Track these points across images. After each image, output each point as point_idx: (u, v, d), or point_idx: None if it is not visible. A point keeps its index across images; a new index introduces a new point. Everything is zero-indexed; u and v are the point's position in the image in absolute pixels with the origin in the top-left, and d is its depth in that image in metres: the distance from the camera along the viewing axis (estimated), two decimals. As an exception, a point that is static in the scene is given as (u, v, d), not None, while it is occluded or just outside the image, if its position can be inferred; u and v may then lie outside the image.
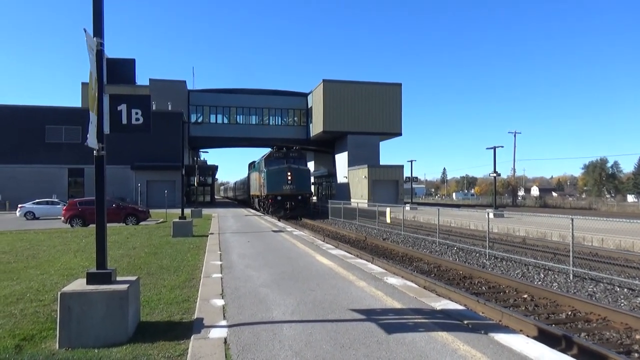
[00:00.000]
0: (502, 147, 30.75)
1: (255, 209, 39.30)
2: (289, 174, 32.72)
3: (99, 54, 4.96)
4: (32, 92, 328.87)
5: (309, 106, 55.17)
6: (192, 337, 4.69)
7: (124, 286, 4.80)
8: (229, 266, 9.35)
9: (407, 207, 33.33)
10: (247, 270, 8.90)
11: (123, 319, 4.68)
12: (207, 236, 15.92)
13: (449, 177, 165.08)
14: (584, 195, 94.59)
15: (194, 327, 5.07)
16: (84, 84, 51.49)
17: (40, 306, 6.23)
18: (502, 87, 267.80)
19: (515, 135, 67.21)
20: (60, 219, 24.46)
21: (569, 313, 7.81)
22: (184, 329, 5.08)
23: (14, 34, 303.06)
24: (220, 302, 6.18)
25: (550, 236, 17.86)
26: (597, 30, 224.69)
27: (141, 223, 23.98)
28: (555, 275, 11.16)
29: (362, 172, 44.94)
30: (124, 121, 5.19)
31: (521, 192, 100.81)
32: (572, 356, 4.48)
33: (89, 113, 4.91)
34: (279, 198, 32.55)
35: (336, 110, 49.22)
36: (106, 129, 5.08)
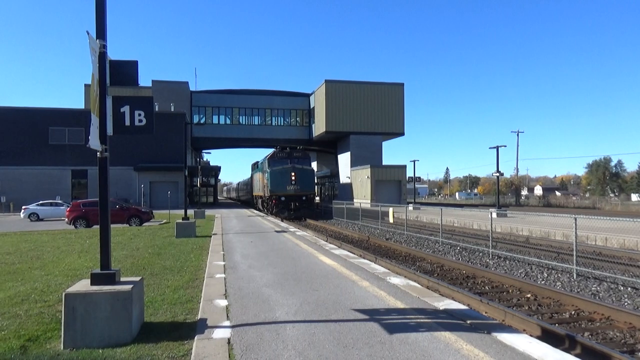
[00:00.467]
0: (505, 146, 30.81)
1: (258, 209, 39.19)
2: (292, 174, 32.39)
3: (102, 56, 4.99)
4: (36, 94, 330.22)
5: (312, 106, 55.20)
6: (195, 338, 4.71)
7: (128, 287, 4.82)
8: (232, 266, 9.37)
9: (410, 207, 33.28)
10: (251, 270, 8.92)
11: (127, 320, 4.71)
12: (211, 237, 15.95)
13: (451, 176, 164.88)
14: (587, 195, 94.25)
15: (198, 327, 5.09)
16: (87, 86, 51.77)
17: (44, 307, 6.26)
18: (505, 86, 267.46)
19: (518, 135, 67.05)
20: (64, 220, 24.58)
21: (573, 312, 7.79)
22: (188, 329, 5.10)
23: (17, 36, 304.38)
24: (223, 303, 6.20)
25: (553, 235, 17.81)
26: (600, 29, 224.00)
27: (144, 224, 24.05)
28: (559, 275, 11.13)
29: (365, 172, 44.92)
30: (127, 122, 5.21)
31: (524, 192, 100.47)
32: (576, 356, 4.47)
33: (90, 115, 4.94)
34: (283, 198, 32.23)
35: (339, 111, 49.23)
36: (109, 131, 5.10)
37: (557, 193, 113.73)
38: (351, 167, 49.45)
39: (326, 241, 15.91)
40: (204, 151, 55.26)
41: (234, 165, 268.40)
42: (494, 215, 24.85)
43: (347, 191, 49.09)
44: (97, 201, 5.11)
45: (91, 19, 5.02)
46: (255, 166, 43.03)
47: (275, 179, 32.69)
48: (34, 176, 41.69)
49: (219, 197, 79.54)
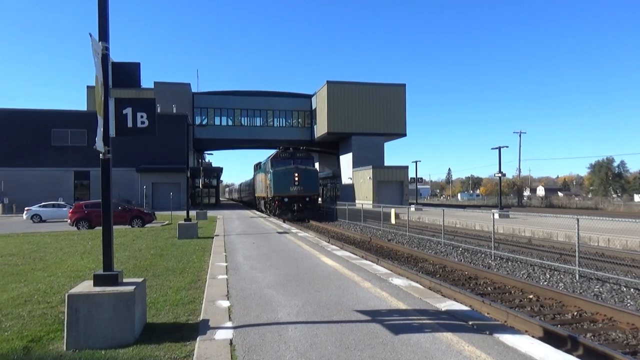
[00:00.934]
0: (507, 147, 30.68)
1: (261, 210, 39.02)
2: (296, 174, 31.91)
3: (105, 58, 5.01)
4: (38, 96, 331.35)
5: (313, 107, 55.22)
6: (198, 339, 4.72)
7: (131, 288, 4.83)
8: (234, 268, 9.38)
9: (412, 208, 33.27)
10: (253, 271, 8.93)
11: (130, 321, 4.72)
12: (213, 238, 15.97)
13: (454, 177, 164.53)
14: (590, 195, 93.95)
15: (200, 328, 5.10)
16: (89, 87, 51.88)
17: (47, 308, 6.28)
18: (507, 86, 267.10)
19: (520, 135, 67.07)
20: (66, 221, 24.64)
21: (575, 313, 7.78)
22: (190, 330, 5.11)
23: (20, 38, 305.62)
24: (225, 304, 6.21)
25: (556, 236, 17.78)
26: (602, 29, 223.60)
27: (147, 225, 24.10)
28: (561, 276, 11.12)
29: (367, 173, 44.89)
30: (130, 124, 5.23)
31: (527, 192, 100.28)
32: (578, 357, 4.47)
33: (97, 116, 4.96)
34: (286, 199, 31.76)
35: (340, 112, 49.22)
36: (112, 132, 5.12)
37: (560, 194, 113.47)
38: (353, 168, 49.44)
39: (328, 242, 15.92)
40: (206, 152, 55.34)
41: (236, 167, 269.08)
42: (496, 216, 24.81)
43: (349, 192, 49.08)
44: (99, 202, 5.13)
45: (94, 21, 5.04)
46: (258, 167, 42.68)
47: (279, 180, 32.20)
48: (37, 177, 41.80)
49: (221, 199, 79.62)
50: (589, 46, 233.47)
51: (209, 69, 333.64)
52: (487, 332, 4.86)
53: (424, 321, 5.34)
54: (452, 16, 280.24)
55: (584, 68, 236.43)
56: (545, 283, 10.44)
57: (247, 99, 55.66)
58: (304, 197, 32.25)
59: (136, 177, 43.39)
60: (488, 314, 7.41)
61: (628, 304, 8.49)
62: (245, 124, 56.07)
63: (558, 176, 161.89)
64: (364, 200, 42.16)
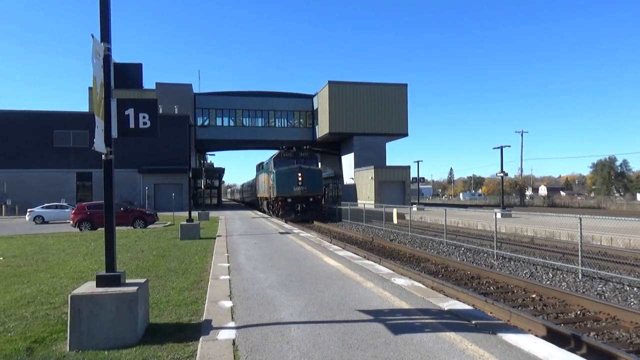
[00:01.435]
0: (509, 146, 30.63)
1: (263, 211, 38.79)
2: (299, 174, 31.36)
3: (107, 59, 5.01)
4: (40, 97, 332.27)
5: (315, 108, 55.23)
6: (200, 339, 4.72)
7: (133, 288, 4.84)
8: (236, 268, 9.39)
9: (414, 208, 33.21)
10: (255, 272, 8.93)
11: (132, 321, 4.73)
12: (215, 239, 15.98)
13: (456, 177, 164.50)
14: (592, 194, 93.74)
15: (203, 328, 5.10)
16: (91, 89, 51.95)
17: (50, 309, 6.29)
18: (509, 86, 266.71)
19: (522, 135, 66.99)
20: (69, 222, 24.67)
21: (578, 312, 7.76)
22: (193, 330, 5.12)
23: (21, 39, 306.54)
24: (228, 304, 6.22)
25: (558, 236, 17.74)
26: (604, 28, 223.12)
27: (149, 226, 24.13)
28: (564, 275, 11.09)
29: (369, 173, 44.87)
30: (132, 125, 5.23)
31: (529, 192, 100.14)
32: (581, 356, 4.45)
33: (94, 118, 4.96)
34: (289, 200, 31.23)
35: (342, 112, 49.21)
36: (114, 133, 5.13)
37: (562, 193, 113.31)
38: (355, 168, 49.42)
39: (330, 242, 15.91)
40: (207, 153, 55.43)
41: (238, 167, 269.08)
42: (499, 215, 24.83)
43: (350, 192, 49.05)
44: (102, 204, 5.14)
45: (95, 22, 5.04)
46: (260, 167, 42.20)
47: (282, 180, 31.65)
48: (39, 179, 41.90)
49: (223, 199, 79.70)
50: (591, 45, 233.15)
51: (210, 70, 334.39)
52: (490, 332, 4.85)
53: (426, 321, 5.33)
54: (453, 16, 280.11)
55: (586, 67, 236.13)
56: (548, 282, 10.41)
57: (249, 99, 55.71)
58: (308, 197, 31.67)
59: (138, 178, 43.46)
60: (491, 313, 7.40)
61: (631, 303, 8.46)
62: (247, 125, 56.12)
63: (560, 175, 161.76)
64: (366, 200, 42.14)
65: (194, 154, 49.77)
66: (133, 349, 4.53)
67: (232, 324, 5.24)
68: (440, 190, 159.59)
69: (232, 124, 55.82)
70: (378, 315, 5.54)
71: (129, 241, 15.79)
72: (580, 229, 11.29)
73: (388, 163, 50.53)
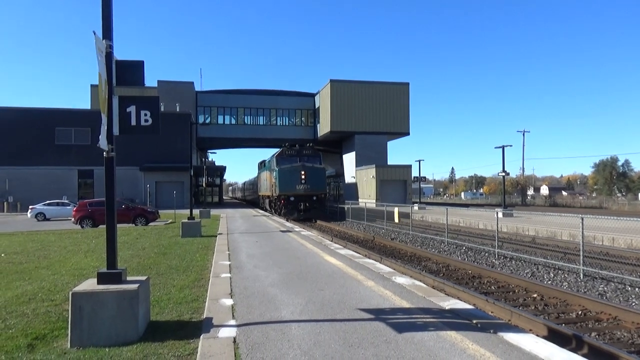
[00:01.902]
0: (511, 146, 30.57)
1: (264, 209, 38.44)
2: (302, 172, 30.78)
3: (109, 56, 5.01)
4: (42, 95, 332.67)
5: (317, 106, 55.22)
6: (201, 337, 4.72)
7: (134, 286, 4.84)
8: (237, 266, 9.39)
9: (415, 207, 33.21)
10: (256, 270, 8.93)
11: (133, 318, 4.73)
12: (216, 236, 15.99)
13: (457, 176, 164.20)
14: (594, 194, 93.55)
15: (204, 326, 5.10)
16: (93, 86, 52.01)
17: (51, 306, 6.30)
18: (510, 85, 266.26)
19: (524, 134, 66.84)
20: (70, 220, 24.72)
21: (579, 312, 7.74)
22: (194, 328, 5.12)
23: (23, 37, 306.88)
24: (229, 302, 6.22)
25: (560, 235, 17.71)
26: (606, 28, 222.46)
27: (150, 224, 24.14)
28: (566, 275, 11.07)
29: (370, 172, 44.87)
30: (133, 122, 5.22)
31: (530, 192, 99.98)
32: (583, 356, 4.44)
33: (100, 115, 4.96)
34: (292, 199, 30.68)
35: (343, 110, 49.19)
36: (115, 131, 5.12)
37: (564, 193, 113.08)
38: (356, 167, 49.42)
39: (331, 241, 15.91)
40: (209, 151, 55.58)
41: (239, 166, 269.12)
42: (500, 215, 24.75)
43: (352, 191, 49.05)
44: (103, 201, 5.13)
45: (97, 19, 5.04)
46: (262, 165, 41.52)
47: (284, 178, 31.07)
48: (41, 176, 41.97)
49: (224, 197, 79.73)
50: (592, 45, 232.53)
51: (212, 68, 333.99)
52: (491, 331, 4.84)
53: (427, 320, 5.32)
54: (454, 16, 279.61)
55: (588, 67, 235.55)
56: (550, 282, 10.39)
57: (250, 97, 55.71)
58: (311, 196, 31.12)
59: (140, 176, 43.50)
60: (492, 312, 7.39)
61: (633, 303, 8.44)
62: (249, 123, 56.15)
63: (562, 175, 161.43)
64: (367, 199, 42.13)
65: (195, 152, 49.79)
66: (134, 346, 4.53)
67: (233, 322, 5.24)
68: (441, 190, 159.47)
69: (233, 122, 55.86)
70: (379, 314, 5.53)
71: (130, 239, 15.81)
72: (582, 228, 11.26)
73: (389, 162, 50.55)
